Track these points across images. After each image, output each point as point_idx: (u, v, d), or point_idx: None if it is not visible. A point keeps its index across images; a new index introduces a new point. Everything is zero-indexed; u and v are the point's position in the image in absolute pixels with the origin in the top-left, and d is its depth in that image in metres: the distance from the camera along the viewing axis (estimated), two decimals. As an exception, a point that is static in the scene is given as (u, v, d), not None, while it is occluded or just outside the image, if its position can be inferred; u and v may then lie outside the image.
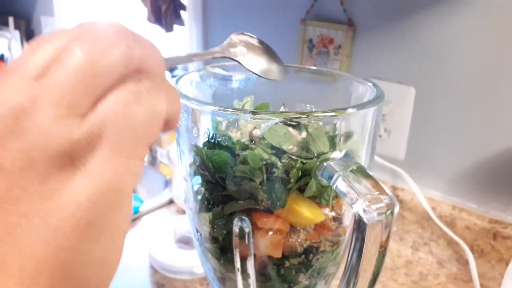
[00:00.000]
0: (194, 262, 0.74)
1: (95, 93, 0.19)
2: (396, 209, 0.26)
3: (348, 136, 0.32)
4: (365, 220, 0.26)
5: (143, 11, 1.12)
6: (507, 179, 0.75)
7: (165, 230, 0.82)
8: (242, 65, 0.34)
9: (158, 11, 1.07)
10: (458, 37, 0.75)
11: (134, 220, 0.92)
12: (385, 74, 0.85)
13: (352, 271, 0.27)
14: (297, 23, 0.92)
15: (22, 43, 1.79)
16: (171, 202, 0.98)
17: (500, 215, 0.77)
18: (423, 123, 0.83)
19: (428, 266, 0.81)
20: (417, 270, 0.80)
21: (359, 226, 0.26)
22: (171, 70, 1.25)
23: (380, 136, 0.86)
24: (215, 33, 1.12)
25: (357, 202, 0.26)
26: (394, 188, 0.87)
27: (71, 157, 0.19)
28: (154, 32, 1.33)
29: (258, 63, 0.36)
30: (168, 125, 0.23)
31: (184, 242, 0.79)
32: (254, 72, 0.35)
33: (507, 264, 0.76)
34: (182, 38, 1.24)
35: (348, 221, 0.35)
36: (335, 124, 0.35)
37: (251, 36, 0.36)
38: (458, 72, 0.76)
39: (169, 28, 1.11)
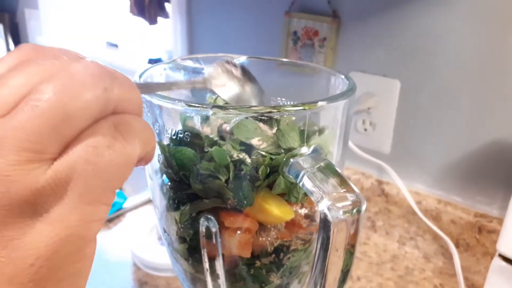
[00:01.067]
0: (177, 259, 0.73)
1: (65, 138, 0.18)
2: (363, 206, 0.25)
3: (319, 131, 0.31)
4: (329, 218, 0.24)
5: (126, 3, 1.10)
6: (493, 172, 0.75)
7: (148, 227, 0.81)
8: (221, 97, 0.34)
9: (141, 3, 1.05)
10: (445, 30, 0.74)
11: (117, 217, 0.90)
12: (370, 67, 0.84)
13: (319, 271, 0.26)
14: (282, 15, 0.90)
15: (6, 37, 1.75)
16: (155, 198, 0.97)
17: (485, 208, 0.76)
18: (408, 117, 0.82)
19: (414, 261, 0.80)
20: (403, 265, 0.79)
21: (324, 224, 0.25)
22: (156, 63, 1.23)
23: (365, 129, 0.85)
24: (199, 26, 1.10)
25: (322, 200, 0.25)
26: (379, 182, 0.86)
27: (33, 205, 0.18)
28: (137, 25, 1.31)
29: (237, 95, 0.35)
30: (142, 162, 0.22)
31: (167, 239, 0.78)
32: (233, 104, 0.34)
33: (492, 258, 0.75)
34: (166, 31, 1.22)
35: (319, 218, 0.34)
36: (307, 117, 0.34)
37: (234, 65, 0.35)
38: (444, 65, 0.75)
39: (153, 21, 1.09)
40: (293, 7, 0.89)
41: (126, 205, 0.93)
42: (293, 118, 0.33)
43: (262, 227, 0.32)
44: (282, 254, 0.33)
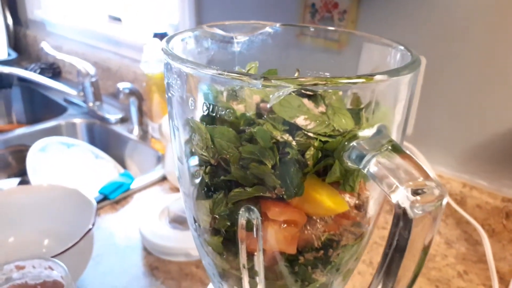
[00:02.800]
0: (190, 243, 0.69)
1: None
2: (446, 198, 0.21)
3: (377, 109, 0.26)
4: (410, 214, 0.20)
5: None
6: (522, 155, 0.71)
7: (158, 209, 0.77)
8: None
9: (147, -27, 0.98)
10: (475, 4, 0.68)
11: (125, 198, 0.86)
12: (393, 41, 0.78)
13: (391, 273, 0.22)
14: (299, -14, 0.85)
15: (3, 11, 1.68)
16: (163, 179, 0.93)
17: (513, 193, 0.73)
18: (433, 96, 0.77)
19: (435, 246, 0.77)
20: (424, 250, 0.76)
21: (402, 220, 0.21)
22: (162, 37, 1.17)
23: (387, 109, 0.80)
24: (209, -2, 1.04)
25: (397, 190, 0.21)
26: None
27: None
28: (143, -2, 1.25)
29: None
30: None
31: (179, 222, 0.74)
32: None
33: (519, 245, 0.72)
34: (172, 3, 1.16)
35: (373, 210, 0.30)
36: (355, 94, 0.30)
37: None
38: (472, 42, 0.70)
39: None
40: (311, -22, 0.83)
41: (134, 186, 0.89)
42: (340, 93, 0.29)
43: (308, 218, 0.28)
44: (330, 250, 0.29)
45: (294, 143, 0.26)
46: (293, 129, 0.27)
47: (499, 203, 0.72)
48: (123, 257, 0.71)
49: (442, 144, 0.79)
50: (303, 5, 0.84)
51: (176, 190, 0.89)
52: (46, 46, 1.25)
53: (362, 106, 0.28)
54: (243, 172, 0.26)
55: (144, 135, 1.13)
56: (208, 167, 0.28)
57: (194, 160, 0.29)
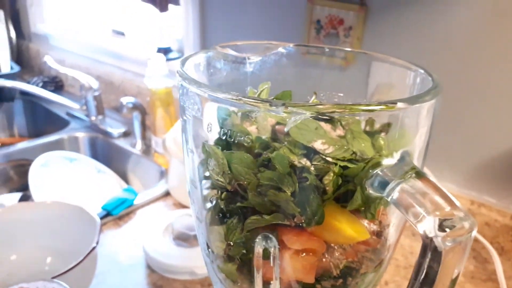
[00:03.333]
0: (195, 261, 0.68)
1: None
2: (475, 229, 0.20)
3: (398, 134, 0.26)
4: (439, 246, 0.19)
5: (136, -12, 1.04)
6: (531, 172, 0.70)
7: (162, 225, 0.76)
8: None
9: (151, -12, 0.99)
10: (478, 23, 0.68)
11: (127, 214, 0.85)
12: (398, 58, 0.78)
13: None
14: (304, 1, 0.84)
15: (6, 24, 1.69)
16: (167, 194, 0.92)
17: (522, 210, 0.72)
18: (440, 114, 0.76)
19: (443, 265, 0.76)
20: (432, 269, 0.74)
21: (431, 251, 0.20)
22: (166, 52, 1.17)
23: (393, 125, 0.80)
24: (213, 13, 1.04)
25: (424, 220, 0.20)
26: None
27: None
28: (145, 12, 1.25)
29: None
30: None
31: (183, 239, 0.73)
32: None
33: (530, 264, 0.71)
34: (177, 18, 1.16)
35: (393, 237, 0.29)
36: (370, 118, 0.29)
37: None
38: (478, 59, 0.70)
39: (163, 8, 1.03)
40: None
41: (137, 201, 0.88)
42: (357, 117, 0.28)
43: (326, 246, 0.27)
44: (350, 278, 0.28)
45: (312, 168, 0.25)
46: (310, 153, 0.26)
47: (508, 221, 0.71)
48: (127, 275, 0.69)
49: (450, 161, 0.78)
50: (309, 22, 0.84)
51: (180, 206, 0.88)
52: (49, 60, 1.25)
53: (379, 129, 0.27)
54: (260, 199, 0.25)
55: (147, 150, 1.13)
56: (224, 193, 0.27)
57: (208, 184, 0.28)
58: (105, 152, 1.21)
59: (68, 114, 1.32)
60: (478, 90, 0.71)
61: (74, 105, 1.24)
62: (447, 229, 0.20)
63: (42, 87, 1.44)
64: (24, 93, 1.42)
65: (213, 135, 0.26)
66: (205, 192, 0.29)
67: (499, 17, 0.66)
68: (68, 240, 0.68)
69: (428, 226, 0.20)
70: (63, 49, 1.54)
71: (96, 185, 1.06)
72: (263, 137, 0.27)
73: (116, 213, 0.83)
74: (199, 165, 0.29)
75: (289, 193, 0.24)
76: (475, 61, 0.70)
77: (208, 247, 0.30)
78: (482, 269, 0.74)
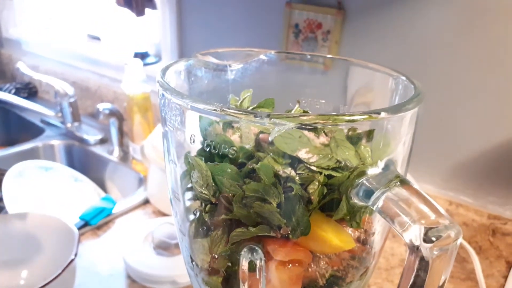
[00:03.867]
0: (176, 270, 0.67)
1: None
2: (461, 237, 0.20)
3: (382, 143, 0.26)
4: (426, 254, 0.19)
5: (111, -7, 1.03)
6: (506, 172, 0.72)
7: (142, 234, 0.75)
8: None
9: (127, -7, 0.97)
10: (455, 25, 0.69)
11: (106, 223, 0.84)
12: (376, 62, 0.79)
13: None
14: (282, 6, 0.85)
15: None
16: (146, 202, 0.90)
17: (498, 210, 0.73)
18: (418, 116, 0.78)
19: (424, 265, 0.77)
20: (413, 270, 0.75)
21: (417, 259, 0.20)
22: (143, 57, 1.15)
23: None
24: (190, 17, 1.03)
25: (410, 228, 0.20)
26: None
27: None
28: (120, 16, 1.23)
29: None
30: None
31: (163, 248, 0.72)
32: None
33: (506, 262, 0.73)
34: (154, 23, 1.15)
35: (378, 244, 0.29)
36: (353, 128, 0.29)
37: None
38: (454, 61, 0.71)
39: (140, 12, 1.01)
40: (294, -2, 0.83)
41: (115, 210, 0.86)
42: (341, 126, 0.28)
43: (312, 256, 0.27)
44: (336, 287, 0.27)
45: (297, 177, 0.25)
46: (295, 162, 0.26)
47: (485, 220, 0.73)
48: (106, 286, 0.68)
49: (428, 162, 0.79)
50: (287, 26, 0.85)
51: (160, 213, 0.87)
52: (22, 66, 1.21)
53: (362, 136, 0.27)
54: (246, 211, 0.25)
55: (125, 157, 1.11)
56: (208, 206, 0.26)
57: (191, 195, 0.28)
58: (82, 160, 1.18)
59: (43, 121, 1.29)
60: (454, 92, 0.73)
61: (49, 112, 1.21)
62: (433, 238, 0.20)
63: (15, 93, 1.40)
64: (-4, 101, 1.38)
65: (196, 146, 0.26)
66: (188, 203, 0.29)
67: (478, 20, 0.68)
68: (45, 252, 0.66)
69: (414, 234, 0.20)
70: (37, 55, 1.50)
71: (74, 194, 1.04)
72: (247, 146, 0.27)
73: (94, 222, 0.82)
74: (181, 176, 0.28)
75: (275, 204, 0.24)
76: (452, 64, 0.71)
77: (192, 260, 0.29)
78: (461, 269, 0.75)
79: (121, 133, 1.10)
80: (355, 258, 0.28)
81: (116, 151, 1.11)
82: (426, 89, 0.78)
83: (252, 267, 0.25)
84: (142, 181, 0.99)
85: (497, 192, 0.73)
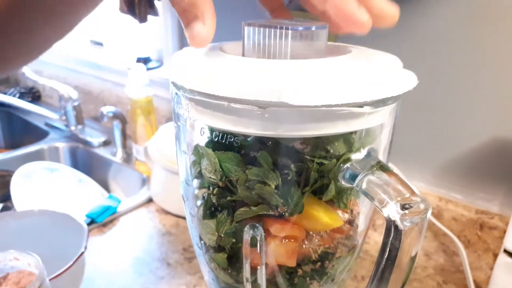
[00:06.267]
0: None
1: None
2: (430, 211, 0.24)
3: (366, 133, 0.29)
4: (400, 225, 0.23)
5: (115, 0, 1.07)
6: (493, 169, 0.75)
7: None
8: None
9: (131, 0, 1.01)
10: (447, 21, 0.73)
11: (112, 221, 0.87)
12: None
13: (383, 279, 0.25)
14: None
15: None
16: (149, 201, 0.94)
17: (486, 205, 0.77)
18: (406, 112, 0.81)
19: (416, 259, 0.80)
20: (405, 263, 0.79)
21: (393, 232, 0.24)
22: (145, 62, 1.19)
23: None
24: (191, 24, 1.07)
25: (388, 205, 0.24)
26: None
27: None
28: (123, 22, 1.28)
29: None
30: None
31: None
32: None
33: (494, 254, 0.76)
34: (156, 29, 1.19)
35: (363, 224, 0.33)
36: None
37: None
38: (445, 58, 0.74)
39: (142, 19, 1.05)
40: (290, 5, 0.87)
41: (120, 208, 0.90)
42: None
43: (306, 234, 0.30)
44: (326, 261, 0.31)
45: (292, 166, 0.29)
46: (291, 152, 0.30)
47: (474, 215, 0.77)
48: (113, 280, 0.71)
49: (419, 160, 0.83)
50: (284, 31, 0.88)
51: (163, 212, 0.91)
52: (27, 71, 1.25)
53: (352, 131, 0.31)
54: (248, 192, 0.28)
55: (128, 158, 1.14)
56: (216, 189, 0.30)
57: (200, 183, 0.31)
58: (86, 162, 1.22)
59: (47, 124, 1.32)
60: (444, 90, 0.76)
61: (53, 116, 1.24)
62: (407, 211, 0.23)
63: (19, 98, 1.44)
64: (0, 104, 1.42)
65: (204, 138, 0.30)
66: (196, 191, 0.33)
67: (471, 21, 0.71)
68: (55, 247, 0.69)
69: (391, 210, 0.24)
70: (40, 60, 1.53)
71: (78, 195, 1.07)
72: (248, 139, 0.31)
73: (100, 220, 0.85)
74: (191, 165, 0.32)
75: (273, 187, 0.28)
76: (442, 60, 0.74)
77: (201, 239, 0.33)
78: (451, 262, 0.79)
79: (124, 135, 1.14)
80: (344, 236, 0.32)
81: (120, 152, 1.15)
82: (417, 86, 0.80)
83: (253, 242, 0.29)
84: (145, 181, 1.03)
85: (485, 189, 0.77)
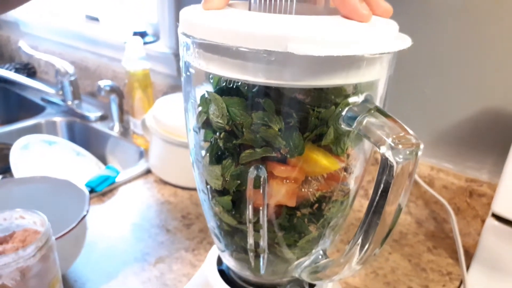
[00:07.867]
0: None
1: None
2: (421, 148, 0.26)
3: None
4: (392, 160, 0.25)
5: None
6: (483, 139, 0.78)
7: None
8: None
9: (127, -27, 1.01)
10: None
11: (111, 190, 0.89)
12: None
13: (377, 212, 0.27)
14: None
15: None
16: (147, 172, 0.96)
17: (475, 174, 0.80)
18: (396, 82, 0.83)
19: (407, 226, 0.83)
20: (397, 230, 0.82)
21: (387, 167, 0.26)
22: (141, 36, 1.20)
23: (360, 100, 0.86)
24: (188, -2, 1.08)
25: (384, 143, 0.26)
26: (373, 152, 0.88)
27: None
28: (121, -3, 1.27)
29: None
30: None
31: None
32: None
33: (482, 221, 0.79)
34: (152, 3, 1.19)
35: (358, 170, 0.35)
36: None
37: None
38: (436, 28, 0.76)
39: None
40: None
41: (119, 179, 0.91)
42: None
43: (305, 178, 0.32)
44: (323, 204, 0.33)
45: (295, 114, 0.31)
46: (294, 102, 0.31)
47: (463, 183, 0.79)
48: (113, 244, 0.73)
49: (412, 130, 0.85)
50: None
51: (161, 182, 0.93)
52: (24, 46, 1.25)
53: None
54: (253, 135, 0.30)
55: (125, 132, 1.16)
56: (223, 133, 0.32)
57: (207, 130, 0.33)
58: (83, 136, 1.23)
59: (43, 99, 1.33)
60: (435, 60, 0.78)
61: (50, 90, 1.25)
62: (400, 146, 0.25)
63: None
64: (-4, 80, 1.42)
65: (211, 87, 0.31)
66: (202, 142, 0.34)
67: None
68: (57, 213, 0.71)
69: (387, 147, 0.26)
70: (35, 36, 1.53)
71: (76, 168, 1.09)
72: (254, 90, 0.32)
73: (99, 189, 0.87)
74: (197, 115, 0.34)
75: (277, 129, 0.30)
76: (435, 31, 0.76)
77: (207, 184, 0.35)
78: (441, 229, 0.82)
79: (121, 109, 1.15)
80: (339, 181, 0.34)
81: (117, 126, 1.16)
82: (409, 57, 0.81)
83: (257, 183, 0.31)
84: (142, 154, 1.04)
85: (475, 158, 0.80)
